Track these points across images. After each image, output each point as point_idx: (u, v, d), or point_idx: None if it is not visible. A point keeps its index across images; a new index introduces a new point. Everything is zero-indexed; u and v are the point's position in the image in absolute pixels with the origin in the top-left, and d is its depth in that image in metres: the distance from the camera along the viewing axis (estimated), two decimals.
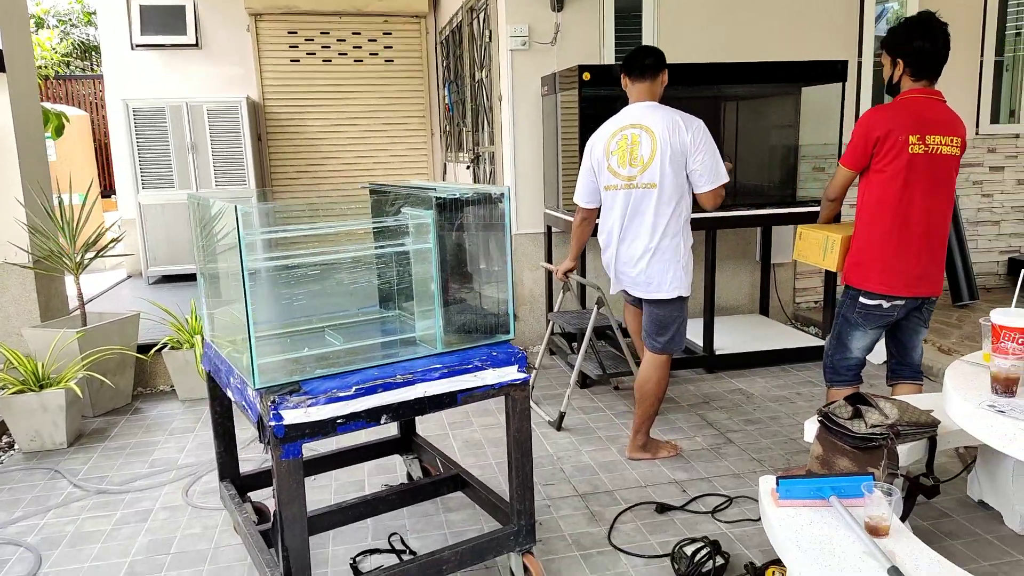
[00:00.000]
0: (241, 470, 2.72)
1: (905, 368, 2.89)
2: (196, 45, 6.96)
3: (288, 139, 7.29)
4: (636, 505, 2.88)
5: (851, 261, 2.76)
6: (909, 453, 2.31)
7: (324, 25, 7.15)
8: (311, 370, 2.02)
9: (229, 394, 2.23)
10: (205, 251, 2.40)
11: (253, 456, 3.40)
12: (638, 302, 3.33)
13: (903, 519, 2.22)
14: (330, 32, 7.19)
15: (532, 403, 3.87)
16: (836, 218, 3.10)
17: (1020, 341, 1.90)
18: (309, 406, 1.88)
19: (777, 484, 1.90)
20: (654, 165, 3.00)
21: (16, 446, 3.62)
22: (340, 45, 7.24)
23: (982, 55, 5.66)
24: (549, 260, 4.92)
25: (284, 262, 2.05)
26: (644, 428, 3.27)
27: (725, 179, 3.05)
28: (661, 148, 2.98)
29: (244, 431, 3.32)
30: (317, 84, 7.27)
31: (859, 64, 5.39)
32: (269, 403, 1.84)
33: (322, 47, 7.21)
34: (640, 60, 3.10)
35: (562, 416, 3.68)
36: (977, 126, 5.75)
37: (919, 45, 2.60)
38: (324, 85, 7.29)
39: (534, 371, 4.25)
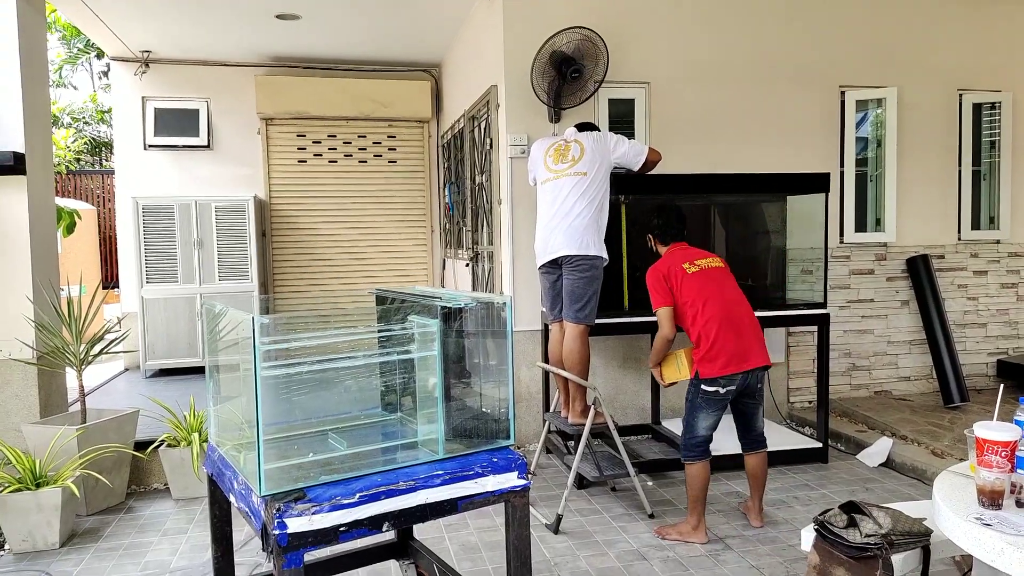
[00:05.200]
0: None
1: (750, 440, 3.65)
2: (208, 146, 7.25)
3: (292, 234, 7.49)
4: None
5: (696, 360, 3.51)
6: (904, 563, 2.33)
7: (331, 129, 7.48)
8: (315, 476, 2.06)
9: (232, 499, 2.25)
10: (217, 355, 2.48)
11: (244, 560, 3.36)
12: (560, 318, 4.18)
13: None
14: (337, 135, 7.51)
15: None
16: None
17: (1003, 454, 1.96)
18: (313, 514, 1.91)
19: None
20: (583, 161, 4.10)
21: (7, 546, 3.58)
22: (346, 147, 7.56)
23: (960, 165, 5.93)
24: (546, 359, 4.99)
25: (297, 369, 2.12)
26: (580, 396, 4.09)
27: (644, 153, 4.24)
28: (590, 150, 4.12)
29: (236, 532, 3.29)
30: (322, 183, 7.54)
31: (841, 173, 5.65)
32: (274, 511, 1.88)
33: (328, 149, 7.52)
34: (586, 125, 4.42)
35: (559, 519, 3.67)
36: (959, 232, 5.96)
37: (655, 223, 3.79)
38: (328, 184, 7.56)
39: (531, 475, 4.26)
